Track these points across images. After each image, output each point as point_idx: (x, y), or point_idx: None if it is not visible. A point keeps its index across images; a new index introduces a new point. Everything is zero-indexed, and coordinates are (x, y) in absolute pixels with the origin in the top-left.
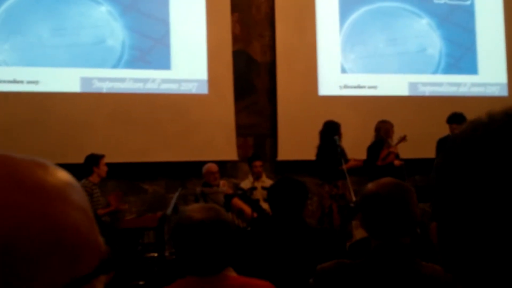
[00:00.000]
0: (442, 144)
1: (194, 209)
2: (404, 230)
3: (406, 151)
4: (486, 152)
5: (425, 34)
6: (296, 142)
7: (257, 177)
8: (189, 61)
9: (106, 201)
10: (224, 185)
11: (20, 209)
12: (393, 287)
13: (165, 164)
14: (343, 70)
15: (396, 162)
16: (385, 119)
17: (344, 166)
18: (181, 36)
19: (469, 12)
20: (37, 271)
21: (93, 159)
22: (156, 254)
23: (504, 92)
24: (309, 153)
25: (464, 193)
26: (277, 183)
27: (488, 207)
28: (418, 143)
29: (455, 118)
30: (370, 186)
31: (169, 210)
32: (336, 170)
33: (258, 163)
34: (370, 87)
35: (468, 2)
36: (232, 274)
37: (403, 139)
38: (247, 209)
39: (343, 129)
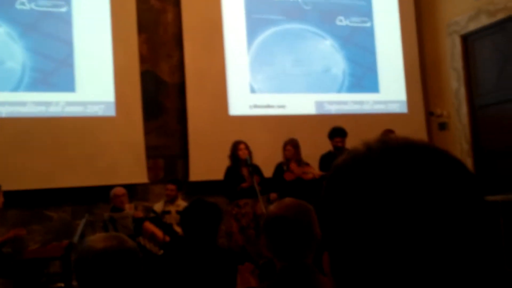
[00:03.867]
0: (324, 160)
1: (96, 239)
2: (307, 250)
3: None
4: (365, 183)
5: (329, 55)
6: (207, 162)
7: (170, 201)
8: (95, 82)
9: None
10: (130, 209)
11: None
12: None
13: (71, 189)
14: (252, 90)
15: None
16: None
17: (243, 185)
18: (86, 57)
19: (369, 34)
20: None
21: None
22: (62, 284)
23: (404, 109)
24: (221, 173)
25: (346, 222)
26: (190, 206)
27: (369, 235)
28: None
29: (337, 132)
30: (273, 208)
31: (75, 238)
32: (236, 189)
33: (170, 187)
34: (279, 107)
35: (369, 24)
36: None
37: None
38: (158, 232)
39: (253, 148)
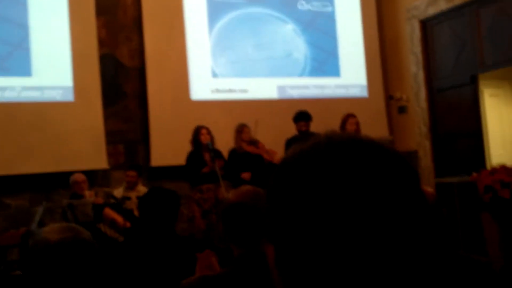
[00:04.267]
0: (290, 143)
1: (50, 230)
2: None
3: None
4: (310, 178)
5: (291, 39)
6: (169, 148)
7: (131, 187)
8: (52, 67)
9: None
10: (91, 196)
11: None
12: None
13: (30, 176)
14: (214, 75)
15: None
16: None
17: (205, 170)
18: (43, 41)
19: (331, 19)
20: None
21: None
22: (20, 272)
23: (365, 93)
24: (182, 158)
25: (290, 215)
26: (147, 194)
27: (312, 229)
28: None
29: (301, 116)
30: (230, 195)
31: (33, 226)
32: (199, 174)
33: (131, 173)
34: (241, 91)
35: (330, 9)
36: None
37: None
38: (119, 219)
39: (216, 133)
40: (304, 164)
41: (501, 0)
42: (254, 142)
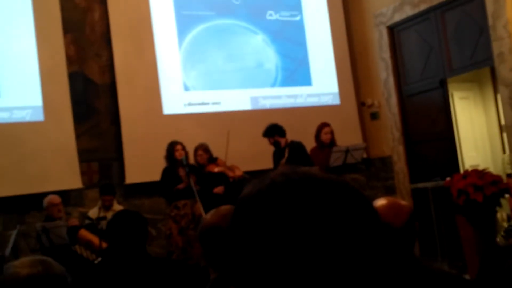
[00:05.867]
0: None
1: (21, 264)
2: None
3: (250, 164)
4: (267, 217)
5: (261, 49)
6: (144, 164)
7: (106, 207)
8: (20, 86)
9: None
10: (73, 222)
11: None
12: None
13: (2, 199)
14: (186, 88)
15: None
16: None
17: (179, 186)
18: (9, 60)
19: (300, 28)
20: None
21: None
22: None
23: (337, 101)
24: (158, 174)
25: (251, 254)
26: (112, 221)
27: (272, 268)
28: (261, 155)
29: (264, 133)
30: (209, 217)
31: (7, 251)
32: (173, 191)
33: (107, 198)
34: (213, 103)
35: (298, 18)
36: None
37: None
38: (95, 240)
39: (190, 147)
40: (263, 203)
41: (465, 4)
42: (213, 160)
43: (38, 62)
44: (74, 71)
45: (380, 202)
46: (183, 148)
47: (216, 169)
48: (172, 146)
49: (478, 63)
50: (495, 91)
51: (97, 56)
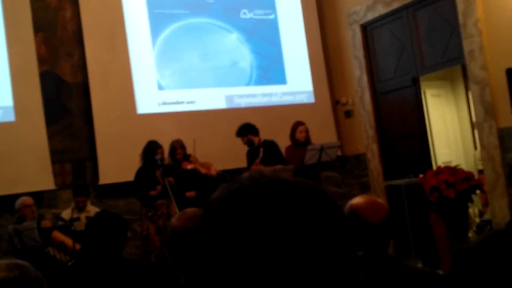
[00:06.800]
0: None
1: None
2: None
3: (225, 163)
4: (236, 220)
5: (235, 48)
6: (118, 164)
7: (80, 209)
8: None
9: None
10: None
11: None
12: None
13: None
14: (160, 87)
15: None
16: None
17: (152, 193)
18: None
19: (274, 26)
20: None
21: None
22: None
23: (311, 99)
24: (132, 174)
25: (221, 254)
26: (94, 220)
27: (242, 272)
28: (237, 154)
29: (237, 133)
30: (174, 220)
31: None
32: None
33: (80, 199)
34: (188, 102)
35: (272, 16)
36: None
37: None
38: (68, 241)
39: (165, 146)
40: (232, 206)
41: (436, 2)
42: (186, 157)
43: (9, 62)
44: (45, 70)
45: (359, 200)
46: (162, 152)
47: (189, 166)
48: (154, 148)
49: (449, 61)
50: (467, 89)
51: (69, 55)
